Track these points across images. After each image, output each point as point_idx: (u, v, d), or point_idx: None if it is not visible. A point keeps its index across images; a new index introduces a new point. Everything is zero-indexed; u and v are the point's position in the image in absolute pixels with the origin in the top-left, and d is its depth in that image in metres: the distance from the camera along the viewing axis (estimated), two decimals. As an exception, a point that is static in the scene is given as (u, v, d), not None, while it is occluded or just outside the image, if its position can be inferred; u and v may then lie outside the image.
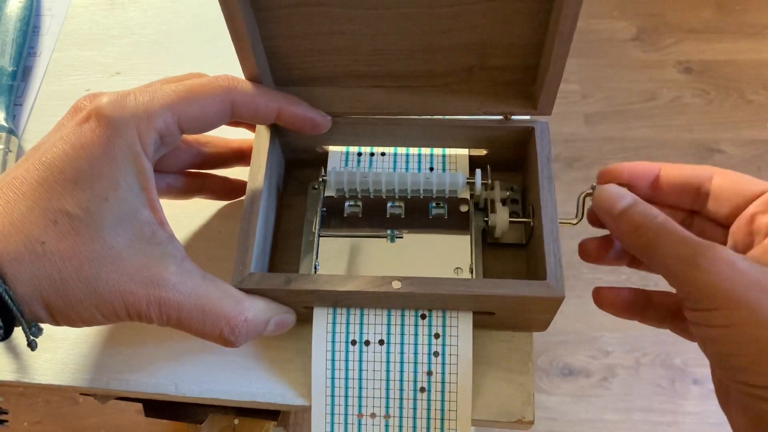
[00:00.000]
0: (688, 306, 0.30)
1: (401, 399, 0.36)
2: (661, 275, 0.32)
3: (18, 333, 0.31)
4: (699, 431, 1.02)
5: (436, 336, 0.36)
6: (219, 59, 0.51)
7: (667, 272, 0.31)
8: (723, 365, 0.30)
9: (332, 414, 0.36)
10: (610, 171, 0.36)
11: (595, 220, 0.36)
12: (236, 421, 0.47)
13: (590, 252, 0.37)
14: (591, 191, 0.36)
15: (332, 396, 0.36)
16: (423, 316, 0.36)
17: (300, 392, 0.38)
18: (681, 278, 0.30)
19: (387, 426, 0.36)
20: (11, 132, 0.47)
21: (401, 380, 0.36)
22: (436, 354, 0.36)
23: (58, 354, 0.40)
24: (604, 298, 0.36)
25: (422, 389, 0.36)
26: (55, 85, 0.51)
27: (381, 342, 0.36)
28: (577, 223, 0.37)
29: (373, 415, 0.36)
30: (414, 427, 0.36)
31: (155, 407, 0.44)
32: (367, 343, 0.36)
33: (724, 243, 0.34)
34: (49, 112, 0.50)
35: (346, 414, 0.36)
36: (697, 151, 1.26)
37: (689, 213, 0.36)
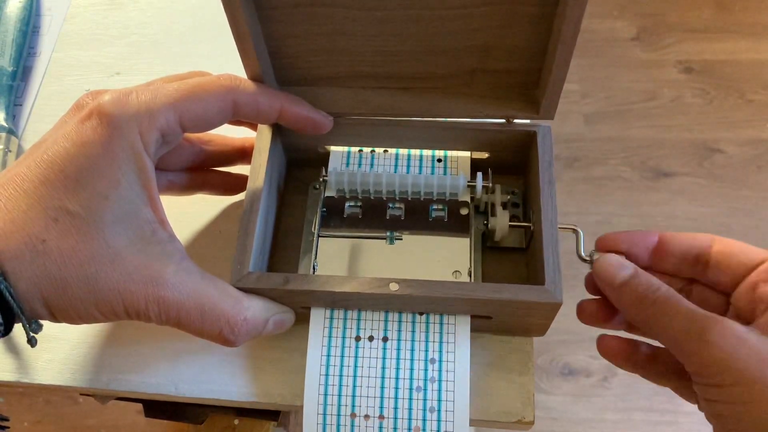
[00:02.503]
0: (698, 381, 0.29)
1: (396, 399, 0.35)
2: (667, 347, 0.31)
3: (19, 332, 0.31)
4: (699, 431, 1.02)
5: (434, 339, 0.36)
6: (219, 59, 0.51)
7: (674, 346, 0.30)
8: None
9: (324, 414, 0.36)
10: (608, 239, 0.35)
11: (592, 286, 0.36)
12: (236, 421, 0.47)
13: (589, 315, 0.36)
14: (589, 258, 0.35)
15: (325, 396, 0.36)
16: (420, 320, 0.36)
17: (300, 392, 0.38)
18: (689, 353, 0.29)
19: (381, 428, 0.36)
20: (11, 132, 0.47)
21: (397, 378, 0.35)
22: (432, 360, 0.35)
23: (59, 354, 0.40)
24: (607, 348, 0.36)
25: (419, 389, 0.35)
26: (55, 85, 0.51)
27: (377, 344, 0.36)
28: (577, 229, 0.37)
29: (366, 417, 0.36)
30: (409, 428, 0.36)
31: (155, 407, 0.44)
32: (363, 347, 0.36)
33: (726, 310, 0.34)
34: (49, 112, 0.50)
35: (338, 414, 0.36)
36: (697, 150, 1.26)
37: (689, 280, 0.36)
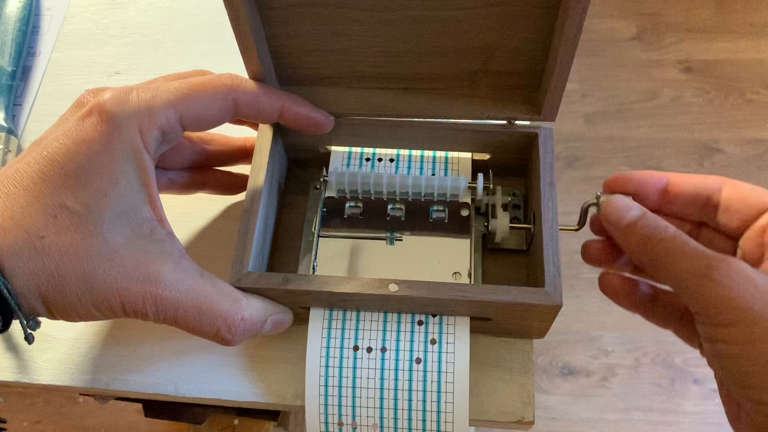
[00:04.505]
0: (702, 320, 0.29)
1: (395, 401, 0.35)
2: (672, 288, 0.31)
3: (18, 332, 0.31)
4: (699, 431, 1.02)
5: (432, 341, 0.35)
6: (219, 59, 0.51)
7: (680, 286, 0.30)
8: (738, 383, 0.29)
9: (326, 413, 0.36)
10: (617, 180, 0.35)
11: (598, 228, 0.35)
12: (236, 421, 0.47)
13: (593, 255, 0.36)
14: (595, 201, 0.35)
15: (326, 397, 0.36)
16: (420, 322, 0.36)
17: (299, 392, 0.38)
18: (695, 292, 0.29)
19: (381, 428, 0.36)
20: (10, 132, 0.47)
21: (396, 385, 0.35)
22: (432, 359, 0.35)
23: (58, 354, 0.40)
24: (608, 285, 0.35)
25: (418, 392, 0.35)
26: (55, 85, 0.51)
27: (376, 344, 0.36)
28: (577, 230, 0.37)
29: (367, 425, 0.36)
30: (410, 429, 0.36)
31: (155, 407, 0.44)
32: (362, 348, 0.36)
33: (733, 255, 0.33)
34: (48, 112, 0.50)
35: (339, 415, 0.36)
36: (697, 150, 1.26)
37: (697, 224, 0.35)
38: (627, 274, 0.36)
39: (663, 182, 0.34)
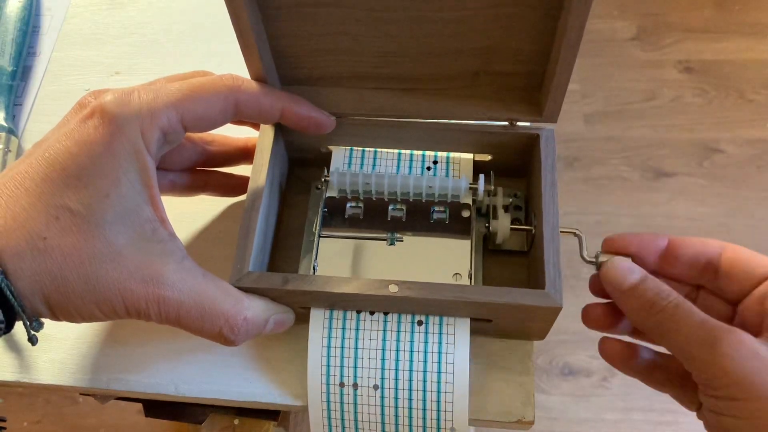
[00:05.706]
0: (705, 392, 0.29)
1: (396, 404, 0.36)
2: (675, 355, 0.31)
3: (19, 333, 0.31)
4: (699, 431, 1.02)
5: (433, 342, 0.36)
6: (218, 59, 0.51)
7: (683, 355, 0.30)
8: None
9: (329, 413, 0.36)
10: (616, 241, 0.35)
11: (597, 288, 0.35)
12: (236, 421, 0.47)
13: (593, 319, 0.36)
14: (594, 260, 0.35)
15: (328, 358, 0.36)
16: (419, 322, 0.36)
17: (300, 392, 0.38)
18: (699, 364, 0.29)
19: (383, 426, 0.36)
20: (11, 132, 0.47)
21: (396, 380, 0.35)
22: (432, 360, 0.35)
23: (58, 354, 0.40)
24: (608, 351, 0.35)
25: (418, 394, 0.35)
26: (55, 85, 0.51)
27: (377, 343, 0.36)
28: (578, 233, 0.37)
29: (368, 386, 0.36)
30: (410, 425, 0.36)
31: (155, 407, 0.44)
32: (363, 347, 0.36)
33: (731, 319, 0.34)
34: (48, 111, 0.50)
35: (342, 418, 0.36)
36: (696, 150, 1.26)
37: (695, 287, 0.35)
38: (627, 338, 0.35)
39: (663, 244, 0.34)
